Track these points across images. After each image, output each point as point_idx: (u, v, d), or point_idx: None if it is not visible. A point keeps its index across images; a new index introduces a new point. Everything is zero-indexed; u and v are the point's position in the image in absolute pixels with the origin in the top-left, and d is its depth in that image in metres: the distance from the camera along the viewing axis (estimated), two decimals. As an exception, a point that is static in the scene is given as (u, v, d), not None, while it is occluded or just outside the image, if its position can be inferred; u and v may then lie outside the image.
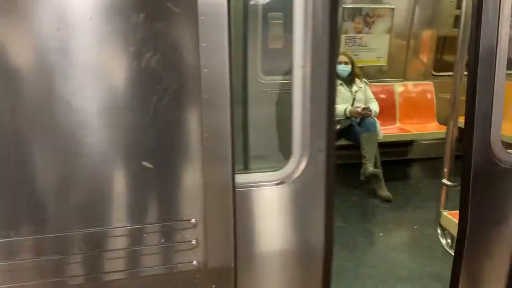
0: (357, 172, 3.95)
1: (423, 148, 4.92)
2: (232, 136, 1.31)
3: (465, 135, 1.66)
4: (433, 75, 4.90)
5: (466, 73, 1.77)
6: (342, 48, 4.31)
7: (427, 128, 4.65)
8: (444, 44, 4.89)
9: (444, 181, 2.55)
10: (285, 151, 1.49)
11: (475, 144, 1.61)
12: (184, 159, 1.29)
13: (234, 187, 1.33)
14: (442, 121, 4.74)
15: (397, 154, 4.88)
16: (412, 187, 4.26)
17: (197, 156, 1.27)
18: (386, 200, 3.77)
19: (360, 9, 4.44)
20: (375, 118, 4.00)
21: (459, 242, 1.74)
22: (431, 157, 4.91)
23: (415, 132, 4.53)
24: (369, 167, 3.80)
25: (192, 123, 1.21)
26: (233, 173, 1.33)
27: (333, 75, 1.35)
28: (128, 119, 1.22)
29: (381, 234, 3.30)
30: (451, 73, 2.58)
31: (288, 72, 1.35)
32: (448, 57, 4.98)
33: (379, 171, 3.85)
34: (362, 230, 3.38)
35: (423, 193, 4.07)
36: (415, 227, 3.41)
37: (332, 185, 1.42)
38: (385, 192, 3.81)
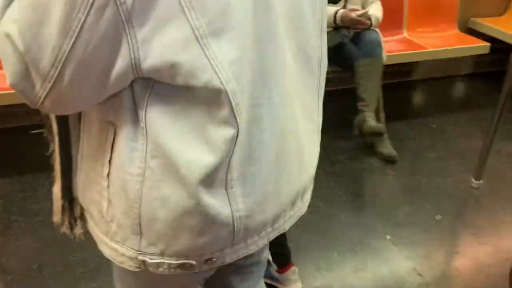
0: (345, 107, 2.73)
1: (431, 65, 3.66)
2: None
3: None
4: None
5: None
6: None
7: (447, 40, 3.29)
8: None
9: None
10: None
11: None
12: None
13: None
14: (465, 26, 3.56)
15: (397, 75, 3.52)
16: (422, 131, 3.00)
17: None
18: (389, 161, 2.63)
19: None
20: (377, 31, 2.66)
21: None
22: (437, 77, 3.78)
23: (431, 49, 3.08)
24: (370, 120, 2.48)
25: None
26: None
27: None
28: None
29: (388, 236, 2.11)
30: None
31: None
32: None
33: (383, 126, 2.55)
34: (353, 220, 2.25)
35: (440, 142, 2.88)
36: (437, 216, 2.26)
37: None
38: (387, 149, 2.65)
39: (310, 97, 0.79)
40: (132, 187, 0.65)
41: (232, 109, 0.60)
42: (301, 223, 2.22)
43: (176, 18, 0.53)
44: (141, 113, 0.61)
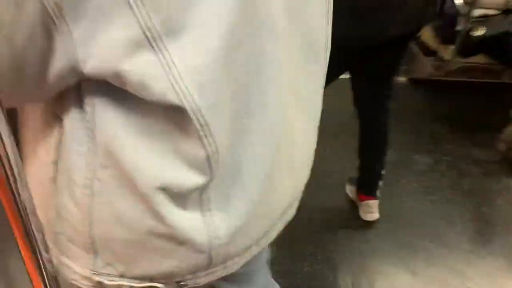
0: (489, 106, 2.31)
1: None
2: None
3: None
4: None
5: None
6: None
7: None
8: None
9: None
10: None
11: None
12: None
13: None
14: None
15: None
16: None
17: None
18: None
19: None
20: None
21: None
22: None
23: None
24: None
25: None
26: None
27: None
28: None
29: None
30: None
31: None
32: None
33: None
34: (478, 255, 1.85)
35: None
36: None
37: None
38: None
39: (312, 89, 0.70)
40: (79, 199, 0.56)
41: (197, 130, 0.50)
42: (408, 244, 2.00)
43: (121, 15, 0.43)
44: (89, 110, 0.51)
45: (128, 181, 0.53)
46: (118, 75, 0.46)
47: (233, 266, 0.67)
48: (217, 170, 0.55)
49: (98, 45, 0.45)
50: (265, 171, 0.61)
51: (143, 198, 0.54)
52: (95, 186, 0.54)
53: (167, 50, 0.45)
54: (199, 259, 0.61)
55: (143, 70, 0.46)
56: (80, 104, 0.51)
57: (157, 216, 0.55)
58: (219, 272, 0.66)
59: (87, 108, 0.51)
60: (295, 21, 0.59)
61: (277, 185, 0.65)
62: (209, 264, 0.62)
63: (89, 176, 0.54)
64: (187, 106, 0.48)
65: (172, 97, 0.47)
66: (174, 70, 0.46)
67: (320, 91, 0.72)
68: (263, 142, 0.59)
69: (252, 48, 0.52)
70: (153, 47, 0.45)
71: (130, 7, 0.43)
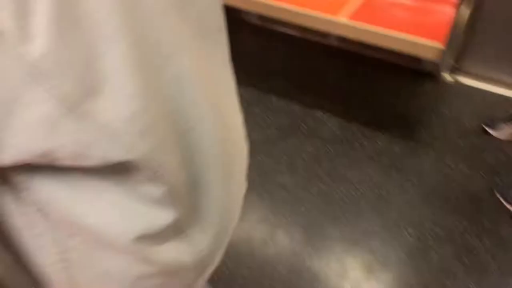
0: None
1: None
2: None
3: None
4: None
5: None
6: None
7: None
8: None
9: None
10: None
11: None
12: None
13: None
14: None
15: None
16: None
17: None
18: None
19: None
20: None
21: None
22: None
23: None
24: None
25: None
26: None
27: None
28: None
29: None
30: None
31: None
32: None
33: None
34: None
35: None
36: None
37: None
38: None
39: (222, 69, 0.63)
40: (57, 274, 0.52)
41: (151, 174, 0.48)
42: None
43: (26, 92, 0.36)
44: (24, 195, 0.45)
45: (103, 241, 0.50)
46: (45, 155, 0.40)
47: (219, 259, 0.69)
48: (183, 198, 0.54)
49: (12, 132, 0.38)
50: (221, 171, 0.60)
51: (125, 251, 0.52)
52: (71, 255, 0.51)
53: (93, 111, 0.40)
54: (191, 276, 0.62)
55: (75, 140, 0.40)
56: (13, 196, 0.45)
57: (146, 261, 0.54)
58: (208, 273, 0.68)
59: (23, 194, 0.45)
60: (186, 8, 0.52)
61: (234, 175, 0.66)
62: (198, 276, 0.64)
63: (57, 250, 0.50)
64: (135, 157, 0.44)
65: (116, 156, 0.43)
66: (108, 130, 0.41)
67: (228, 67, 0.66)
68: (212, 147, 0.57)
69: (171, 70, 0.48)
70: (76, 114, 0.39)
71: (34, 80, 0.36)
